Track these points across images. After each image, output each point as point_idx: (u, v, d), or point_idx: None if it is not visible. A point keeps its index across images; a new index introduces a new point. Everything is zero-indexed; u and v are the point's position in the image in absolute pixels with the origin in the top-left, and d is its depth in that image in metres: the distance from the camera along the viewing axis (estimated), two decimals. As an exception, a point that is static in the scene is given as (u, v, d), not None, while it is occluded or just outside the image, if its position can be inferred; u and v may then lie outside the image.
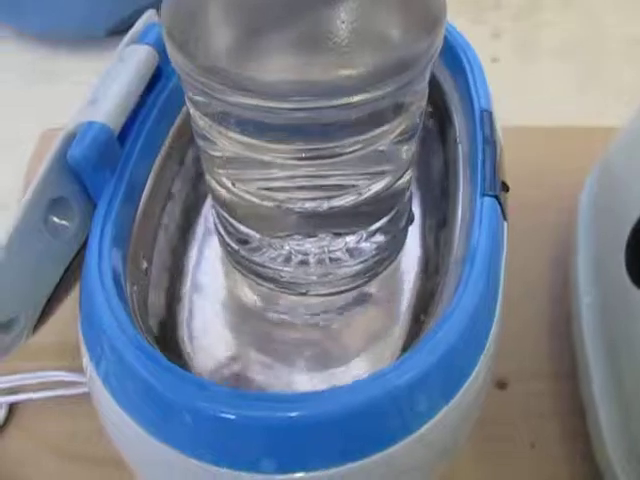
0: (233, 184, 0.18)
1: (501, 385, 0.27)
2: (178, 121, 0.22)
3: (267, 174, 0.17)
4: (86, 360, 0.17)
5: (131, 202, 0.19)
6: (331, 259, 0.19)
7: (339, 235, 0.19)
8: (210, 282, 0.22)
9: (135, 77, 0.19)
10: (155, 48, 0.20)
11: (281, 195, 0.18)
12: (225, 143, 0.17)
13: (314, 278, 0.20)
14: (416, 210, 0.23)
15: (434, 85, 0.22)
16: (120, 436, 0.17)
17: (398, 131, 0.17)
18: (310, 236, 0.19)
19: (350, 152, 0.16)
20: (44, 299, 0.19)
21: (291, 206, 0.18)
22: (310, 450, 0.14)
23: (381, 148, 0.17)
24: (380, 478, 0.16)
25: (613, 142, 0.28)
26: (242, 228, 0.19)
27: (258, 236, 0.19)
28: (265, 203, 0.18)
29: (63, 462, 0.25)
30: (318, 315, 0.21)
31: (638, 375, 0.22)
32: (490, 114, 0.20)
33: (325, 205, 0.18)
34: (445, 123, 0.22)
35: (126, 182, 0.19)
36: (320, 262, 0.19)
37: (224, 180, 0.18)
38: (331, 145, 0.16)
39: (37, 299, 0.19)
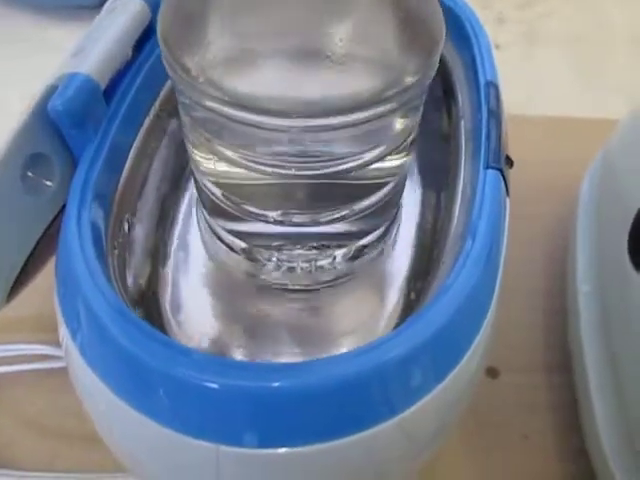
0: (224, 195, 0.18)
1: (493, 374, 0.26)
2: (168, 84, 0.21)
3: (257, 187, 0.17)
4: (62, 329, 0.16)
5: (114, 164, 0.18)
6: (318, 269, 0.19)
7: (328, 248, 0.19)
8: (194, 252, 0.21)
9: (125, 30, 0.18)
10: (148, 3, 0.19)
11: (271, 208, 0.17)
12: (217, 155, 0.16)
13: (300, 283, 0.20)
14: (415, 186, 0.22)
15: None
16: (96, 408, 0.16)
17: (392, 147, 0.17)
18: (299, 248, 0.19)
19: (343, 169, 0.16)
20: (20, 263, 0.18)
21: (281, 219, 0.17)
22: (295, 423, 0.14)
23: (375, 165, 0.17)
24: (365, 459, 0.15)
25: (615, 132, 0.28)
26: (230, 237, 0.19)
27: (245, 245, 0.19)
28: (254, 217, 0.18)
29: (39, 436, 0.24)
30: (307, 286, 0.20)
31: (636, 366, 0.21)
32: (496, 86, 0.19)
33: (315, 219, 0.17)
34: (448, 98, 0.22)
35: (110, 142, 0.18)
36: (308, 272, 0.19)
37: (214, 190, 0.18)
38: (323, 161, 0.16)
39: (12, 263, 0.18)
